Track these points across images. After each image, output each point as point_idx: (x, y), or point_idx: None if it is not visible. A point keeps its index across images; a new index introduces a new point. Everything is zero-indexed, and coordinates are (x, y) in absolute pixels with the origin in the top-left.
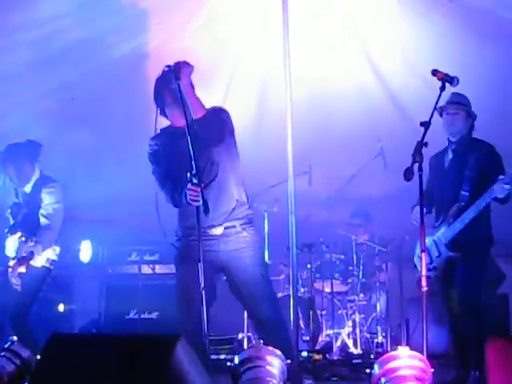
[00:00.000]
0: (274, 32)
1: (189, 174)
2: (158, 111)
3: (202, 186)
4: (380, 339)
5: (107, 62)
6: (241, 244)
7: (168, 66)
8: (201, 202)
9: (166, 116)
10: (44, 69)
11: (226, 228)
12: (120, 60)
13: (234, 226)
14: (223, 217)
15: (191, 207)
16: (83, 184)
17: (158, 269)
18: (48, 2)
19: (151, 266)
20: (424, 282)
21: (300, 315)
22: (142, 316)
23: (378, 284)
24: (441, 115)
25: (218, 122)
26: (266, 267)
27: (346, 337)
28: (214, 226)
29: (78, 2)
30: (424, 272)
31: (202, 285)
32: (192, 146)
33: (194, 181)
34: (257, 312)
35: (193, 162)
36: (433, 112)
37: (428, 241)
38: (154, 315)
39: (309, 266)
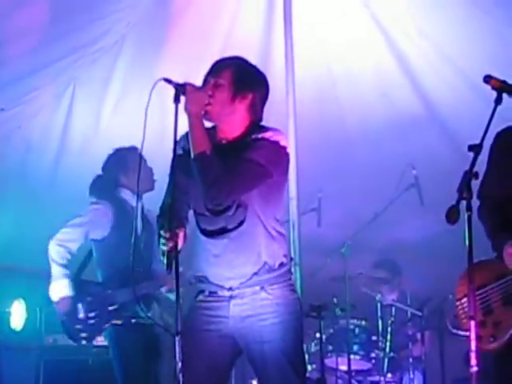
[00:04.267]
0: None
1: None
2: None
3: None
4: None
5: None
6: (257, 309)
7: (168, 81)
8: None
9: None
10: None
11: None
12: None
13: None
14: (238, 281)
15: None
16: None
17: None
18: None
19: None
20: (474, 360)
21: None
22: None
23: (411, 360)
24: None
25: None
26: (294, 345)
27: None
28: (222, 288)
29: None
30: (473, 346)
31: (179, 365)
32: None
33: None
34: None
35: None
36: (485, 132)
37: None
38: None
39: (318, 335)
